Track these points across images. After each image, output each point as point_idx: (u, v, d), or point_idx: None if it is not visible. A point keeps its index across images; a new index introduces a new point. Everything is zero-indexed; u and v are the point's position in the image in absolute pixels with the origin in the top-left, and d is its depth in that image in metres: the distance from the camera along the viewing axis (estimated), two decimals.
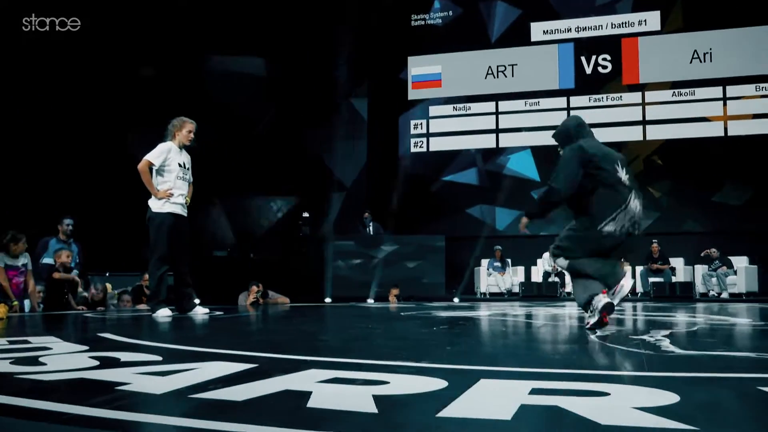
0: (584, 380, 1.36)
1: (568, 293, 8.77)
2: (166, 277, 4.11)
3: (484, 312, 4.59)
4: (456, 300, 7.85)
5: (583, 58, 9.58)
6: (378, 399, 1.15)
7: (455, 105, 9.90)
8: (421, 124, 10.00)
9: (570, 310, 4.77)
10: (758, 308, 5.29)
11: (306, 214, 9.27)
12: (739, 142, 9.08)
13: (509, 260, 9.36)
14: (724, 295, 8.48)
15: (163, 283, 4.08)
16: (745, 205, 9.07)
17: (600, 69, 9.55)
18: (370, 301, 7.64)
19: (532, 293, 8.57)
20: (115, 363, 1.62)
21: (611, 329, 2.69)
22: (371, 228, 8.91)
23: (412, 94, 10.04)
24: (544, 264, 9.15)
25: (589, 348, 2.06)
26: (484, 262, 9.37)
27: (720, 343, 2.35)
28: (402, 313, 4.41)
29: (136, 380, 1.35)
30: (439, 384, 1.30)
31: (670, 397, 1.15)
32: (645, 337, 2.42)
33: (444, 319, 3.71)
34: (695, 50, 9.29)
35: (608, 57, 9.52)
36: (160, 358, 1.71)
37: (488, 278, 9.09)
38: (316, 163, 9.96)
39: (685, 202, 9.24)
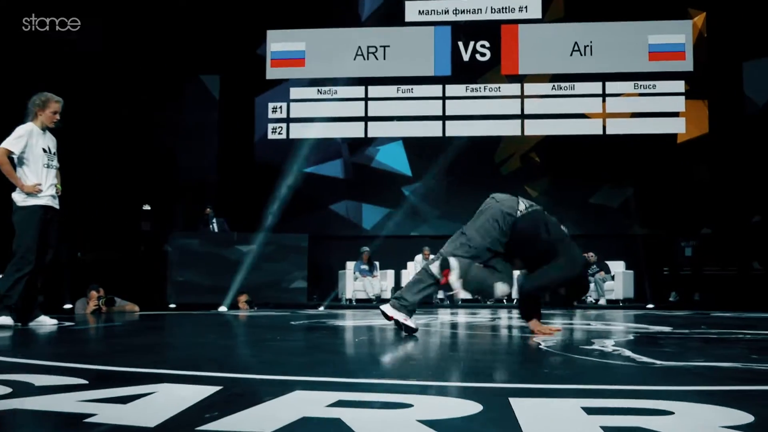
0: (646, 397, 1.72)
1: (441, 299, 10.89)
2: (25, 279, 4.46)
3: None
4: (322, 308, 9.36)
5: (460, 44, 11.88)
6: (432, 424, 1.38)
7: (320, 88, 11.87)
8: (281, 107, 11.87)
9: (481, 319, 6.13)
10: (657, 315, 6.98)
11: (147, 207, 10.81)
12: (617, 141, 11.68)
13: (377, 263, 11.36)
14: (602, 301, 10.91)
15: (17, 287, 4.42)
16: (622, 207, 11.65)
17: (478, 56, 11.90)
18: (223, 308, 8.68)
19: None
20: (43, 389, 1.82)
21: (549, 338, 3.63)
22: (214, 225, 10.53)
23: (271, 73, 11.90)
24: (416, 267, 11.21)
25: (578, 363, 2.60)
26: (350, 264, 11.28)
27: (685, 352, 3.04)
28: (293, 323, 5.34)
29: (100, 410, 1.50)
30: (472, 407, 1.58)
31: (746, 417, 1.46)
32: (596, 346, 3.19)
33: (354, 328, 4.81)
34: (576, 42, 11.86)
35: (487, 44, 11.89)
36: (86, 382, 1.93)
37: (355, 283, 11.01)
38: (159, 149, 11.55)
39: (563, 202, 11.67)
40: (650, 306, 10.33)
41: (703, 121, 11.67)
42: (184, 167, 11.73)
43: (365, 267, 11.09)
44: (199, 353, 3.04)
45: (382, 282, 11.11)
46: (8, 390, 1.79)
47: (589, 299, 10.92)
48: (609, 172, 11.61)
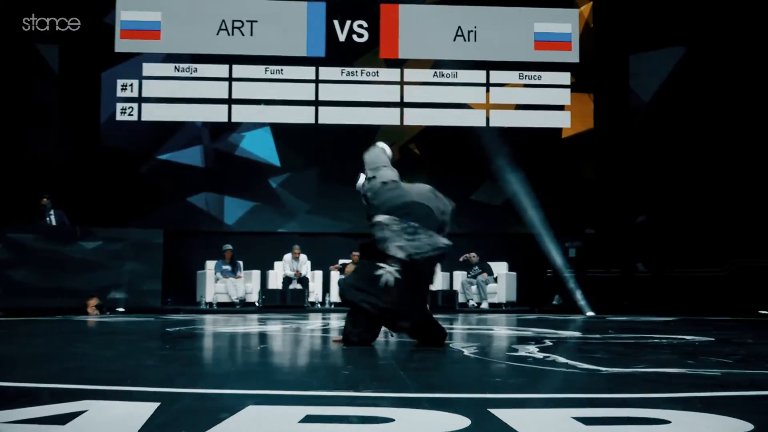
0: (630, 406, 2.08)
1: (312, 303, 11.91)
2: None
3: (277, 326, 6.51)
4: (180, 314, 10.08)
5: (336, 22, 12.93)
6: None
7: (177, 64, 12.55)
8: (132, 85, 12.46)
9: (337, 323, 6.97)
10: (555, 320, 8.08)
11: None
12: (501, 134, 13.12)
13: (241, 262, 12.22)
14: (484, 305, 12.31)
15: None
16: (504, 205, 13.13)
17: (355, 37, 13.00)
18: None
19: (274, 303, 11.47)
20: None
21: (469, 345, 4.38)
22: (52, 217, 11.01)
23: (121, 46, 12.45)
24: (284, 267, 12.17)
25: (526, 371, 3.13)
26: (210, 264, 12.04)
27: (619, 358, 3.61)
28: (169, 329, 5.98)
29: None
30: (459, 420, 1.78)
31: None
32: (523, 353, 3.75)
33: (244, 335, 5.53)
34: (459, 27, 13.21)
35: (365, 24, 13.01)
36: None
37: (216, 284, 11.80)
38: None
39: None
40: (534, 310, 11.86)
41: (588, 115, 13.34)
42: (18, 150, 12.06)
43: (227, 267, 11.91)
44: (90, 365, 3.41)
45: (247, 284, 11.96)
46: None
47: (471, 302, 12.30)
48: (492, 167, 13.01)
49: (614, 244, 12.92)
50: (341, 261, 12.50)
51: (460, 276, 12.53)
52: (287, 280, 11.94)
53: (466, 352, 4.01)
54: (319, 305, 11.91)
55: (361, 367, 3.58)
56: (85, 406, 2.09)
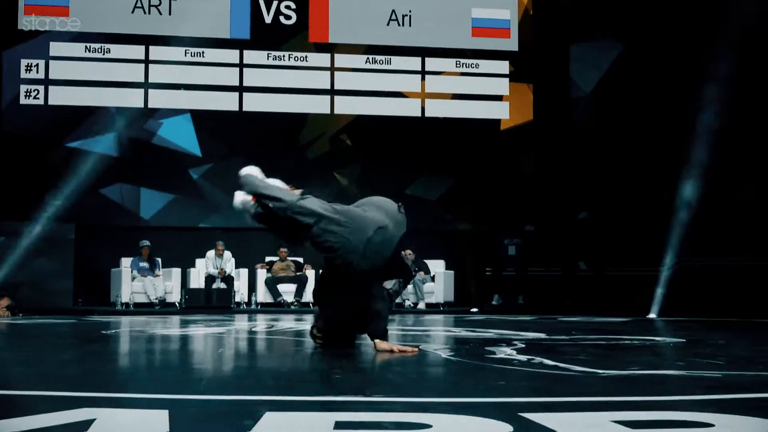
0: (668, 409, 2.38)
1: (238, 303, 12.82)
2: None
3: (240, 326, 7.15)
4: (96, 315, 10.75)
5: (262, 3, 13.94)
6: None
7: (88, 44, 13.28)
8: (38, 65, 13.12)
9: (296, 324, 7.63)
10: (504, 320, 8.88)
11: None
12: (437, 124, 14.40)
13: (159, 259, 13.04)
14: (421, 305, 13.43)
15: None
16: (440, 200, 14.39)
17: (282, 19, 14.05)
18: None
19: (198, 303, 12.29)
20: None
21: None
22: None
23: (25, 23, 13.08)
24: (207, 265, 13.06)
25: (520, 373, 3.50)
26: (126, 261, 12.83)
27: (603, 360, 4.08)
28: (103, 331, 6.59)
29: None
30: (501, 427, 2.03)
31: None
32: (503, 355, 4.17)
33: (192, 336, 6.20)
34: (393, 10, 14.43)
35: (293, 5, 14.07)
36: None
37: (133, 283, 12.58)
38: None
39: (376, 192, 14.08)
40: (474, 310, 13.05)
41: (527, 106, 14.76)
42: None
43: (145, 264, 12.73)
44: (71, 371, 3.85)
45: (167, 282, 12.78)
46: None
47: (408, 303, 13.44)
48: (428, 160, 14.25)
49: (555, 241, 14.26)
50: (268, 258, 13.49)
51: None
52: (210, 278, 12.81)
53: (443, 355, 4.54)
54: (244, 305, 12.83)
55: (351, 371, 4.01)
56: (92, 414, 2.29)
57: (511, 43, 14.75)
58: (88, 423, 2.21)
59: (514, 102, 14.70)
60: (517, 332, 6.51)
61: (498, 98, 14.68)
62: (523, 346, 5.13)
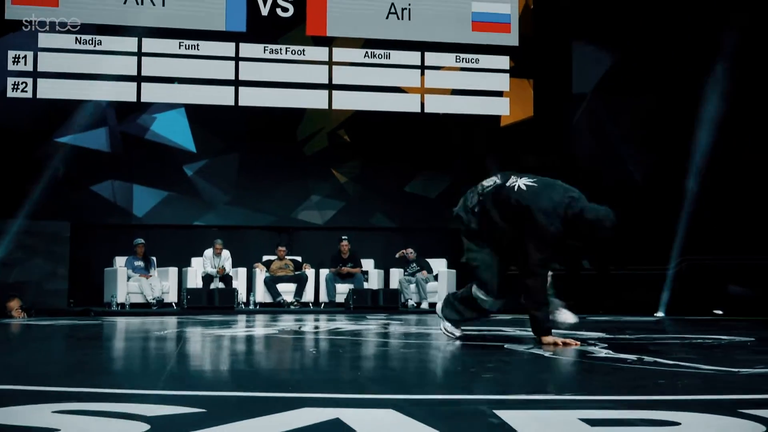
0: None
1: (240, 302, 12.14)
2: None
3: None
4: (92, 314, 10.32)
5: None
6: None
7: (79, 36, 12.61)
8: (26, 57, 12.42)
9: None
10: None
11: None
12: (436, 120, 13.84)
13: (154, 259, 12.37)
14: (424, 304, 12.86)
15: None
16: (440, 197, 13.81)
17: (279, 11, 13.42)
18: None
19: (200, 303, 11.60)
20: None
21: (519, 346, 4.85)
22: None
23: (13, 12, 12.38)
24: (205, 264, 12.38)
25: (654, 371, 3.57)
26: (120, 260, 12.17)
27: (717, 358, 4.19)
28: (158, 332, 6.39)
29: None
30: (751, 427, 2.17)
31: None
32: (606, 354, 4.21)
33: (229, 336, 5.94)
34: (392, 4, 13.87)
35: None
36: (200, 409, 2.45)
37: (129, 283, 11.89)
38: None
39: (375, 190, 13.59)
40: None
41: (527, 102, 14.24)
42: None
43: (140, 263, 12.06)
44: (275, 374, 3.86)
45: (163, 282, 12.12)
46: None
47: (411, 302, 12.86)
48: (427, 157, 13.70)
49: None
50: (265, 257, 12.86)
51: (397, 274, 13.08)
52: (208, 278, 12.18)
53: (546, 354, 4.43)
54: (243, 305, 12.17)
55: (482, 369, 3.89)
56: (334, 414, 2.41)
57: (512, 38, 14.24)
58: (336, 423, 2.28)
59: (515, 98, 14.19)
60: (570, 332, 6.02)
61: (498, 94, 14.17)
62: (605, 344, 4.96)
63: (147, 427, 2.13)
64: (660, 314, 11.29)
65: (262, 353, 5.14)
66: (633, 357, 4.13)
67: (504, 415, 2.39)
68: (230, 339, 6.08)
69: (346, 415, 2.38)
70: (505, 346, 5.04)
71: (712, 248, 12.19)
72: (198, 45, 13.03)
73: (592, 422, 2.30)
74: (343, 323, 8.13)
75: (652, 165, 13.24)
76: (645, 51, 13.35)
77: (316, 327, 7.89)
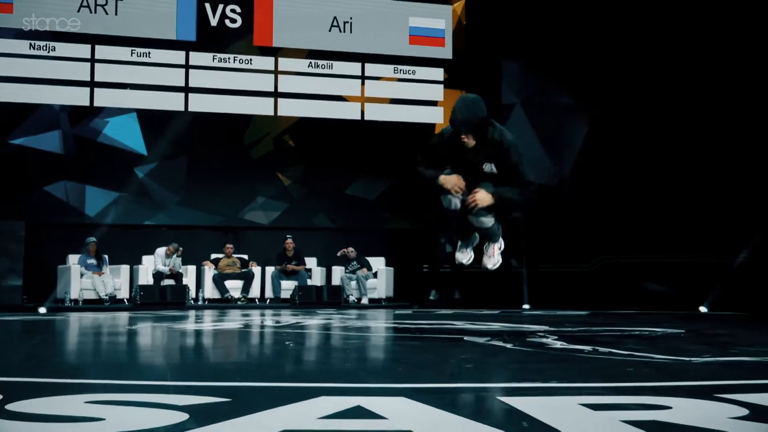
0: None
1: (194, 299, 12.62)
2: None
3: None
4: (42, 309, 10.66)
5: (207, 5, 13.87)
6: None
7: (33, 41, 12.96)
8: None
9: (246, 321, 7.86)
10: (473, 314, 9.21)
11: None
12: (375, 128, 14.59)
13: (106, 257, 12.78)
14: (364, 300, 13.56)
15: None
16: (379, 199, 14.57)
17: (228, 22, 14.00)
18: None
19: (153, 300, 12.04)
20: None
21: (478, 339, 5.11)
22: None
23: None
24: (156, 262, 12.85)
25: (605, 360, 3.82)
26: (73, 258, 12.56)
27: (663, 348, 4.34)
28: (131, 327, 6.57)
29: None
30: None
31: None
32: (560, 345, 4.46)
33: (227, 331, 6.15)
34: (335, 17, 14.58)
35: (238, 9, 14.06)
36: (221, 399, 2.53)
37: (82, 280, 12.28)
38: None
39: (318, 192, 14.26)
40: (432, 298, 13.32)
41: None
42: None
43: (92, 261, 12.48)
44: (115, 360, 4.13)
45: (115, 279, 12.56)
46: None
47: (351, 298, 13.53)
48: (367, 162, 14.43)
49: None
50: (213, 255, 13.41)
51: (339, 271, 13.77)
52: (159, 275, 12.65)
53: (508, 346, 4.70)
54: (192, 302, 12.68)
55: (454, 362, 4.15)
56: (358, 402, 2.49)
57: (446, 52, 15.08)
58: (359, 409, 2.41)
59: (449, 107, 14.81)
60: (517, 325, 6.48)
61: (433, 103, 14.97)
62: (556, 337, 5.27)
63: (186, 416, 2.19)
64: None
65: (254, 346, 5.38)
66: (588, 348, 4.42)
67: (509, 401, 2.53)
68: (213, 333, 6.38)
69: (366, 402, 2.48)
70: (465, 338, 5.38)
71: (628, 248, 13.15)
72: (149, 53, 13.49)
73: (594, 407, 2.44)
74: (304, 318, 8.44)
75: (572, 171, 14.19)
76: (566, 65, 14.28)
77: (277, 321, 8.23)
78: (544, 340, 5.08)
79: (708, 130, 12.54)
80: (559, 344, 4.73)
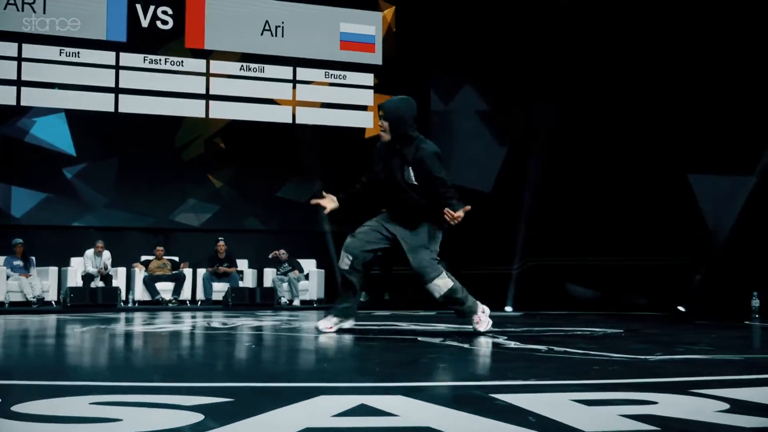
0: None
1: (124, 302, 12.43)
2: None
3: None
4: None
5: (138, 6, 13.73)
6: None
7: None
8: None
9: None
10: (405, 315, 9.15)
11: None
12: (306, 131, 14.66)
13: (33, 258, 12.52)
14: (296, 302, 13.58)
15: None
16: (309, 202, 14.61)
17: (159, 24, 13.89)
18: None
19: (84, 302, 11.78)
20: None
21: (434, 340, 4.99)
22: None
23: None
24: (85, 264, 12.63)
25: (563, 358, 3.75)
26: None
27: (614, 348, 4.26)
28: (79, 329, 6.31)
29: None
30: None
31: None
32: (515, 345, 4.42)
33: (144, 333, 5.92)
34: (267, 21, 14.61)
35: (170, 11, 13.96)
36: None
37: (8, 282, 11.97)
38: None
39: (248, 195, 14.26)
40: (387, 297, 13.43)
41: None
42: None
43: (19, 263, 12.21)
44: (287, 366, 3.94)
45: (43, 281, 12.30)
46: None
47: (283, 300, 13.55)
48: (298, 165, 14.49)
49: None
50: (143, 257, 13.29)
51: (270, 273, 13.78)
52: (88, 277, 12.46)
53: (465, 346, 4.63)
54: (122, 304, 12.52)
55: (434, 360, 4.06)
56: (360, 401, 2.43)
57: (376, 58, 15.27)
58: (364, 407, 2.37)
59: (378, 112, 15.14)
60: (460, 326, 6.31)
61: (363, 108, 15.14)
62: (506, 337, 5.25)
63: (200, 415, 2.16)
64: (508, 309, 12.37)
65: (220, 347, 5.08)
66: (543, 347, 4.42)
67: (503, 397, 2.51)
68: (171, 335, 6.17)
69: (366, 400, 2.43)
70: (419, 339, 5.29)
71: (552, 251, 13.56)
72: (79, 53, 13.29)
73: (587, 403, 2.46)
74: (249, 320, 8.33)
75: (498, 176, 14.55)
76: (491, 72, 14.63)
77: (224, 324, 7.87)
78: (495, 340, 5.08)
79: (627, 137, 13.03)
80: (513, 344, 4.76)
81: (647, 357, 3.93)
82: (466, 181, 14.10)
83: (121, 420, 2.13)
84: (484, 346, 4.72)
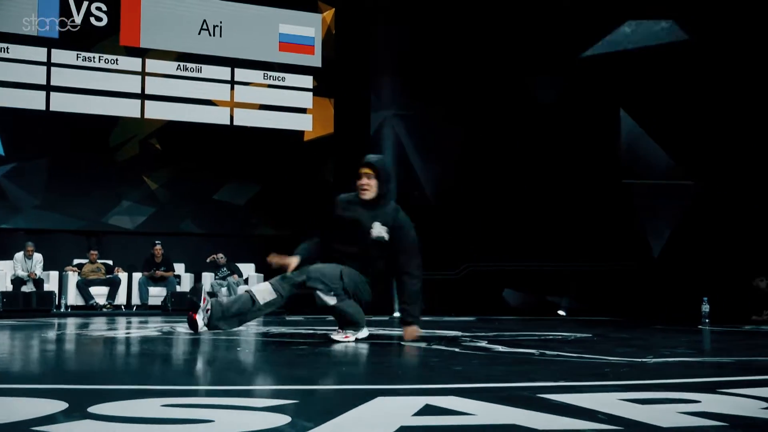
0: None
1: (56, 306, 11.81)
2: None
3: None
4: None
5: (72, 2, 13.19)
6: None
7: None
8: None
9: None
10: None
11: None
12: (244, 133, 14.31)
13: None
14: None
15: None
16: (247, 205, 14.28)
17: (93, 20, 13.35)
18: None
19: (17, 307, 11.19)
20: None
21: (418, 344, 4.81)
22: None
23: None
24: (15, 267, 12.02)
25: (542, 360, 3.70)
26: None
27: (592, 350, 4.29)
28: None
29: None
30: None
31: None
32: (499, 348, 4.35)
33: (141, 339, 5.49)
34: (205, 20, 14.21)
35: (104, 7, 13.43)
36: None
37: None
38: None
39: (185, 197, 13.81)
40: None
41: (329, 120, 15.06)
42: None
43: None
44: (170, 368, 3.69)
45: None
46: None
47: None
48: (235, 167, 14.13)
49: None
50: (76, 261, 12.73)
51: (208, 277, 13.35)
52: (18, 281, 11.88)
53: (457, 350, 4.50)
54: (54, 309, 11.96)
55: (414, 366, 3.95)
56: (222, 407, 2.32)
57: (316, 60, 15.03)
58: (430, 407, 2.28)
59: (317, 115, 14.95)
60: (428, 331, 6.15)
61: (302, 111, 14.87)
62: (486, 342, 5.14)
63: (288, 418, 2.11)
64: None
65: (223, 351, 4.66)
66: (534, 351, 4.32)
67: (554, 397, 2.44)
68: (155, 339, 5.71)
69: (430, 401, 2.37)
70: (401, 343, 5.12)
71: (491, 256, 13.57)
72: (8, 48, 12.68)
73: (638, 401, 2.40)
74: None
75: (440, 180, 14.50)
76: (434, 78, 14.56)
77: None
78: (480, 344, 4.93)
79: (561, 144, 13.14)
80: (500, 348, 4.60)
81: (644, 360, 3.87)
82: (408, 185, 14.09)
83: (213, 421, 2.06)
84: (473, 350, 4.51)
